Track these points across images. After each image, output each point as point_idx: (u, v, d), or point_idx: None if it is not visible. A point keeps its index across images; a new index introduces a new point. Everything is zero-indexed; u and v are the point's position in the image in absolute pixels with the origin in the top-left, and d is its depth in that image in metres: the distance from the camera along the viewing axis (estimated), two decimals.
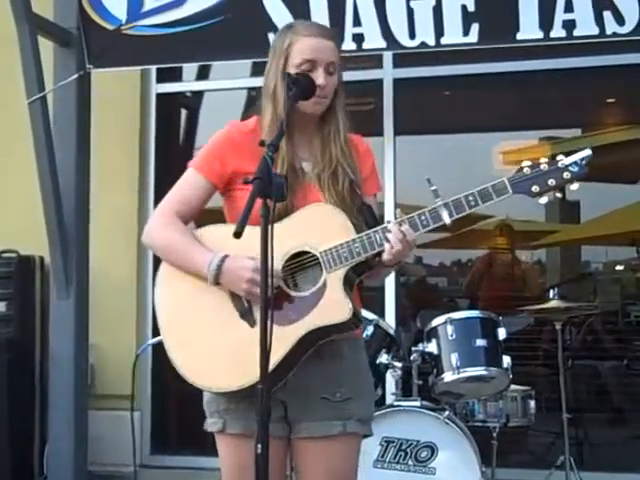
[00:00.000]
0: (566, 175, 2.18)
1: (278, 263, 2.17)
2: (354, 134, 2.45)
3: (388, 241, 2.18)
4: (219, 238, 2.31)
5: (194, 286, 2.29)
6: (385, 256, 2.19)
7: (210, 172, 2.37)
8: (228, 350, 2.24)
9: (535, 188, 2.19)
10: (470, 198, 2.19)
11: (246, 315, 2.25)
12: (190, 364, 2.29)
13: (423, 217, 2.20)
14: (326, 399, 2.28)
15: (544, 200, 2.25)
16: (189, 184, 2.40)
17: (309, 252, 2.22)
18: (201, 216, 2.46)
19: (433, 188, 2.21)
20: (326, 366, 2.28)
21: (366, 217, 2.29)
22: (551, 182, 2.19)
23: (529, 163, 2.20)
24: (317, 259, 2.21)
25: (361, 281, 2.36)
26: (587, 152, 2.20)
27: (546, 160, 2.20)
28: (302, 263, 2.24)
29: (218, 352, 2.26)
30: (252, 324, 2.23)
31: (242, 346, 2.21)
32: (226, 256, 2.24)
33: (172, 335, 2.35)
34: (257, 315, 2.19)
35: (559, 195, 2.27)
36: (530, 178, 2.19)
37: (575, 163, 2.18)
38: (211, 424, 2.35)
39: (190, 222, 2.42)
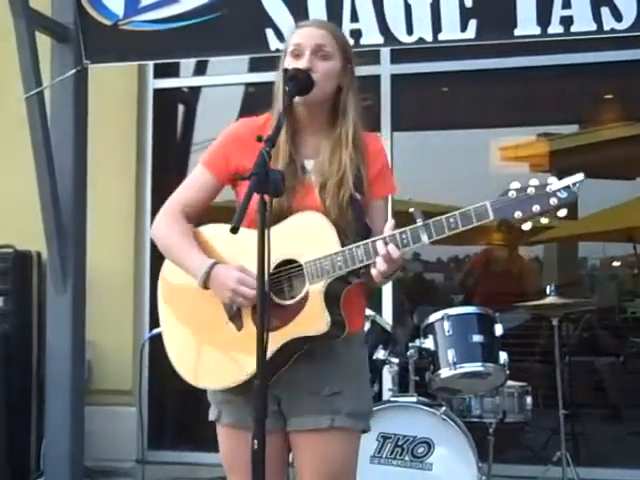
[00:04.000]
0: (553, 201, 2.05)
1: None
2: (369, 133, 2.44)
3: (375, 260, 2.16)
4: (210, 238, 2.37)
5: (193, 284, 2.32)
6: (373, 273, 2.17)
7: (216, 168, 2.40)
8: (216, 351, 2.33)
9: (518, 214, 2.08)
10: (451, 220, 2.11)
11: (234, 319, 2.29)
12: (182, 360, 2.38)
13: (404, 236, 2.16)
14: (315, 393, 2.30)
15: (527, 226, 2.11)
16: (196, 180, 2.45)
17: (296, 261, 2.23)
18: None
19: (412, 210, 2.15)
20: (317, 362, 2.29)
21: (359, 229, 2.28)
22: (535, 208, 2.07)
23: (517, 186, 2.09)
24: (302, 269, 2.22)
25: (366, 285, 2.36)
26: (579, 177, 2.07)
27: (535, 183, 2.07)
28: (289, 271, 2.24)
29: (207, 352, 2.35)
30: (239, 328, 2.28)
31: (228, 348, 2.30)
32: (215, 263, 2.28)
33: (169, 329, 2.44)
34: (244, 319, 2.27)
35: (544, 221, 2.09)
36: (514, 203, 2.08)
37: (565, 188, 2.06)
38: (210, 413, 2.43)
39: (198, 217, 2.45)
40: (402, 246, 2.16)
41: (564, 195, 2.05)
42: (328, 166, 2.31)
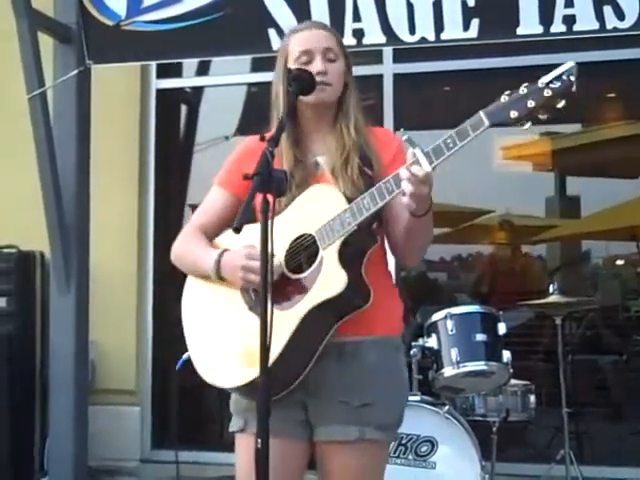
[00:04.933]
0: (547, 92, 1.98)
1: (281, 251, 2.19)
2: (378, 127, 2.45)
3: (399, 188, 2.08)
4: (227, 240, 2.36)
5: (210, 289, 2.33)
6: (405, 202, 2.08)
7: (230, 185, 2.42)
8: (237, 345, 2.26)
9: (513, 114, 2.00)
10: (448, 141, 2.03)
11: (254, 307, 2.25)
12: (206, 364, 2.32)
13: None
14: (344, 403, 2.23)
15: (527, 126, 2.03)
16: (212, 199, 2.46)
17: (307, 233, 2.22)
18: None
19: (405, 137, 2.11)
20: (346, 367, 2.24)
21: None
22: (530, 104, 1.99)
23: (508, 91, 2.03)
24: (314, 238, 2.21)
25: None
26: (570, 64, 1.99)
27: (526, 84, 2.01)
28: (302, 244, 2.22)
29: (228, 348, 2.27)
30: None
31: (251, 339, 2.16)
32: (225, 250, 2.28)
33: (192, 338, 2.38)
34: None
35: (543, 117, 2.01)
36: (508, 104, 2.01)
37: (557, 78, 1.98)
38: (233, 424, 2.34)
39: (217, 236, 2.43)
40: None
41: (557, 84, 1.98)
42: (335, 152, 2.32)
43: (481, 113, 2.02)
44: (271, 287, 2.00)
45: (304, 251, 2.23)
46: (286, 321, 2.13)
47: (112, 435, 5.22)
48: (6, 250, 5.23)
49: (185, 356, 2.62)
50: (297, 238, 2.23)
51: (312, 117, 2.37)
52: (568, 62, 1.99)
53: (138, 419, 5.52)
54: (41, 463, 5.04)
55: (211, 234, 2.42)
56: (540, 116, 2.01)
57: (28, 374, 5.12)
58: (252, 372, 2.09)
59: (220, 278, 2.28)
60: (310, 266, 2.20)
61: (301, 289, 2.19)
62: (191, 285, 2.42)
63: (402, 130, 2.17)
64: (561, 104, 2.00)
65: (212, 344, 2.33)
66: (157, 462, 5.44)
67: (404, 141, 2.12)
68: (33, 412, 5.12)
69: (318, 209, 2.21)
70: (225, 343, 2.29)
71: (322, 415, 2.25)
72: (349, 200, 2.18)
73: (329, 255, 2.16)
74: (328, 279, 2.15)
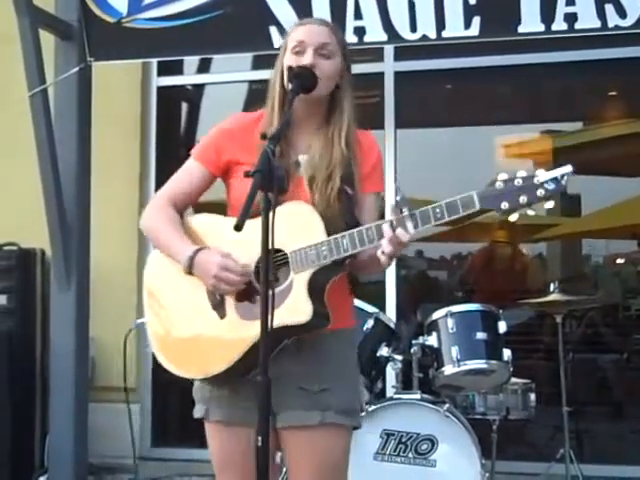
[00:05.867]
0: (540, 193, 2.03)
1: (254, 258, 2.22)
2: (362, 130, 2.45)
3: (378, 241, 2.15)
4: (198, 227, 2.39)
5: (178, 271, 2.33)
6: (379, 256, 2.15)
7: (206, 160, 2.43)
8: (199, 340, 2.31)
9: (504, 205, 2.07)
10: (437, 210, 2.10)
11: (217, 307, 2.29)
12: (165, 348, 2.38)
13: (392, 225, 2.14)
14: (304, 389, 2.29)
15: (514, 217, 2.12)
16: (186, 172, 2.47)
17: (282, 250, 2.22)
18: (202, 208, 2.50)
19: (398, 198, 2.17)
20: (304, 356, 2.29)
21: (348, 222, 2.27)
22: (522, 199, 2.05)
23: (505, 177, 2.08)
24: (287, 258, 2.22)
25: (354, 276, 2.39)
26: (567, 169, 2.05)
27: (523, 175, 2.05)
28: (276, 260, 2.22)
29: (190, 340, 2.33)
30: (221, 316, 2.28)
31: (211, 337, 2.29)
32: (200, 249, 2.29)
33: (153, 318, 2.42)
34: (227, 308, 2.27)
35: (531, 212, 2.09)
36: (501, 194, 2.07)
37: (553, 180, 2.03)
38: (196, 410, 2.42)
39: (187, 208, 2.47)
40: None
41: (552, 187, 2.03)
42: (319, 160, 2.32)
43: (474, 195, 2.09)
44: (270, 288, 2.01)
45: (275, 267, 2.23)
46: (245, 332, 2.19)
47: (111, 432, 5.21)
48: (7, 247, 5.24)
49: (139, 321, 2.66)
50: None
51: (302, 112, 2.36)
52: (566, 166, 2.05)
53: (137, 417, 5.52)
54: (41, 460, 5.04)
55: (180, 206, 2.44)
56: (527, 210, 2.08)
57: (28, 371, 5.12)
58: (201, 370, 2.28)
59: (189, 274, 2.29)
60: (278, 282, 2.21)
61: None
62: (157, 258, 2.43)
63: (397, 186, 2.20)
64: (550, 205, 2.08)
65: (173, 329, 2.37)
66: (156, 460, 5.44)
67: (397, 200, 2.18)
68: (33, 409, 5.12)
69: (296, 229, 2.22)
70: (188, 335, 2.34)
71: (283, 402, 2.29)
72: (325, 225, 2.20)
73: (299, 282, 2.19)
74: (295, 307, 2.18)
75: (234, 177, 2.36)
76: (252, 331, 2.13)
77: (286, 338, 2.23)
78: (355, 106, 2.41)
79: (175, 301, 2.38)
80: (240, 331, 2.21)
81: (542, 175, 2.04)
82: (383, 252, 2.13)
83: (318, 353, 2.30)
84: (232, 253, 2.25)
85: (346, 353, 2.41)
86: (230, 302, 2.27)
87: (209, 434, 2.41)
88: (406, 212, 2.12)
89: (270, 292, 2.00)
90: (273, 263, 2.21)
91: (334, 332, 2.31)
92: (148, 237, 2.49)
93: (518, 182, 2.05)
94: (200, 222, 2.41)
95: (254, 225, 2.03)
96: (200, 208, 2.55)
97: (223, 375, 2.25)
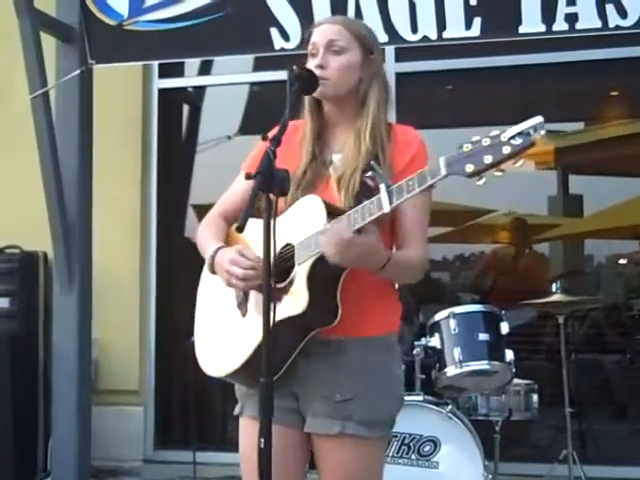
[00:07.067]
0: (505, 150, 1.85)
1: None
2: (402, 125, 2.42)
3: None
4: (246, 231, 2.33)
5: (214, 278, 2.36)
6: (328, 257, 2.09)
7: (253, 169, 2.40)
8: (224, 339, 2.34)
9: (469, 167, 1.89)
10: (410, 183, 1.99)
11: (241, 305, 2.31)
12: (201, 350, 2.43)
13: (371, 206, 2.04)
14: (326, 397, 2.25)
15: (481, 182, 1.91)
16: (236, 185, 2.49)
17: (291, 244, 2.23)
18: None
19: (370, 173, 2.10)
20: (330, 363, 2.26)
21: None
22: (487, 159, 1.87)
23: (474, 138, 1.91)
24: (294, 251, 2.22)
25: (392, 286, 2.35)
26: (537, 119, 1.86)
27: (493, 133, 1.88)
28: (286, 255, 2.23)
29: (218, 340, 2.37)
30: (243, 314, 2.30)
31: (232, 336, 2.31)
32: (220, 247, 2.30)
33: (199, 326, 2.49)
34: (249, 306, 2.28)
35: (498, 174, 1.88)
36: (466, 156, 1.90)
37: (520, 134, 1.85)
38: (237, 407, 2.42)
39: None
40: (369, 215, 2.05)
41: (518, 142, 1.84)
42: (350, 159, 2.30)
43: (441, 160, 1.95)
44: (270, 289, 2.00)
45: (285, 261, 2.24)
46: (259, 328, 2.14)
47: (114, 435, 5.21)
48: (9, 250, 5.24)
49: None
50: (284, 247, 2.25)
51: (331, 110, 2.37)
52: (536, 117, 1.87)
53: (141, 419, 5.52)
54: (44, 463, 5.04)
55: (232, 219, 2.42)
56: (495, 173, 1.90)
57: (31, 374, 5.13)
58: (230, 364, 2.27)
59: (213, 272, 2.31)
60: (288, 276, 2.22)
61: (277, 299, 2.18)
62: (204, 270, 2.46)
63: (373, 164, 2.11)
64: (519, 164, 1.89)
65: (208, 333, 2.43)
66: (159, 462, 5.44)
67: (371, 176, 2.11)
68: (36, 412, 5.12)
69: (304, 222, 2.21)
70: (217, 334, 2.39)
71: (309, 407, 2.29)
72: (332, 214, 2.15)
73: (301, 272, 2.18)
74: (293, 298, 2.17)
75: None
76: (260, 326, 2.11)
77: (304, 334, 2.19)
78: (384, 98, 2.37)
79: (214, 303, 2.42)
80: (256, 328, 2.14)
81: (509, 130, 1.86)
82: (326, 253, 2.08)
83: (343, 361, 2.25)
84: (255, 252, 2.21)
85: (376, 363, 2.30)
86: (252, 300, 2.27)
87: (241, 428, 2.38)
88: (383, 188, 2.03)
89: (271, 292, 2.00)
90: (284, 257, 2.23)
91: (364, 339, 2.27)
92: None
93: (485, 141, 1.88)
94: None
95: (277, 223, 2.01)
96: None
97: (243, 373, 2.24)
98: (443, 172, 1.94)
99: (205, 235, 2.42)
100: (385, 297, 2.35)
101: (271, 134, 2.12)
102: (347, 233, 2.05)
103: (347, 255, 2.06)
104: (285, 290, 2.20)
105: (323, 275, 2.16)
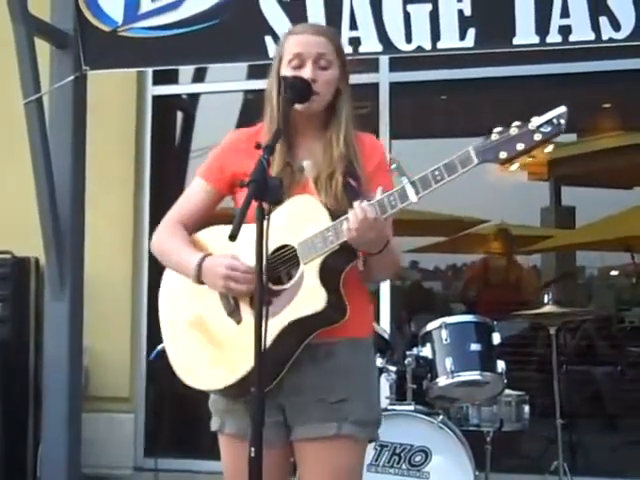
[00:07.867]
0: (537, 137, 2.02)
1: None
2: (362, 132, 2.43)
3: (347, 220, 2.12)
4: (206, 240, 2.39)
5: (189, 286, 2.33)
6: (346, 235, 2.13)
7: (211, 177, 2.43)
8: (215, 349, 2.30)
9: (503, 154, 2.05)
10: (436, 173, 2.08)
11: (233, 313, 2.28)
12: (182, 362, 2.37)
13: (392, 197, 2.12)
14: (322, 400, 2.26)
15: (514, 167, 2.15)
16: (192, 191, 2.48)
17: (289, 245, 2.22)
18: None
19: (394, 165, 2.14)
20: (321, 367, 2.26)
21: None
22: (520, 147, 2.04)
23: (500, 129, 2.06)
24: (295, 252, 2.21)
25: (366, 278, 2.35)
26: (562, 109, 2.03)
27: (517, 123, 2.04)
28: (282, 256, 2.23)
29: (206, 351, 2.31)
30: (238, 322, 2.27)
31: (228, 345, 2.27)
32: (206, 255, 2.29)
33: (169, 337, 2.42)
34: (243, 313, 2.26)
35: (530, 159, 2.15)
36: (498, 144, 2.05)
37: (548, 122, 2.02)
38: (213, 423, 2.40)
39: (197, 228, 2.45)
40: (390, 208, 2.12)
41: (548, 129, 2.02)
42: (321, 162, 2.32)
43: (470, 150, 2.07)
44: (265, 297, 2.00)
45: (284, 263, 2.24)
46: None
47: (105, 442, 5.19)
48: (1, 256, 5.22)
49: (160, 347, 2.64)
50: (278, 249, 2.23)
51: (300, 122, 2.36)
52: (560, 107, 2.04)
53: (132, 426, 5.50)
54: (34, 469, 5.01)
55: (190, 227, 2.44)
56: (527, 157, 2.08)
57: (22, 380, 5.10)
58: (231, 376, 2.21)
59: (200, 282, 2.29)
60: (290, 278, 2.22)
61: (280, 301, 2.20)
62: (170, 277, 2.44)
63: (392, 157, 2.17)
64: (549, 148, 2.06)
65: (189, 344, 2.36)
66: (150, 470, 5.42)
67: (393, 169, 2.16)
68: (26, 418, 5.10)
69: (301, 221, 2.21)
70: (203, 345, 2.32)
71: (300, 414, 2.28)
72: (331, 213, 2.19)
73: (310, 271, 2.18)
74: (308, 296, 2.17)
75: (241, 191, 2.29)
76: (270, 329, 2.09)
77: (307, 335, 2.20)
78: (353, 109, 2.40)
79: (191, 315, 2.36)
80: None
81: (536, 120, 2.03)
82: (349, 228, 2.11)
83: (334, 364, 2.27)
84: (240, 255, 2.23)
85: (364, 364, 2.37)
86: (245, 306, 2.25)
87: (222, 447, 2.38)
88: (405, 181, 2.10)
89: (265, 297, 1.99)
90: (281, 259, 2.23)
91: (351, 340, 2.29)
92: (160, 260, 2.45)
93: (514, 131, 2.04)
94: (206, 236, 2.40)
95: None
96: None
97: (241, 383, 2.19)
98: (475, 160, 2.06)
99: (175, 245, 2.38)
100: (364, 298, 2.39)
101: (264, 142, 2.12)
102: (373, 213, 2.10)
103: (369, 234, 2.11)
104: (291, 291, 2.19)
105: (330, 273, 2.19)
